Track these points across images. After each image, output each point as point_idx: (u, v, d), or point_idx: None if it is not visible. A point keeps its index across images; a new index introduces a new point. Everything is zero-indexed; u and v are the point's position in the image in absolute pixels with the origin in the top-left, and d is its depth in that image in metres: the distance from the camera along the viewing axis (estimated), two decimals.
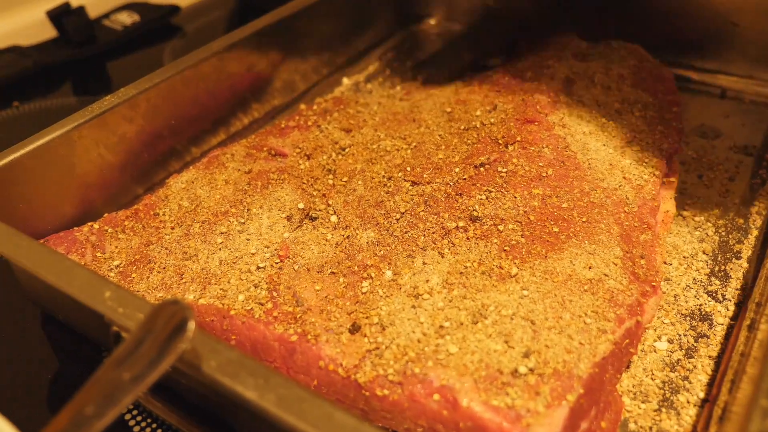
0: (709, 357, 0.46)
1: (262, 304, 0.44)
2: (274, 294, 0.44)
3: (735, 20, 0.70)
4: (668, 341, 0.47)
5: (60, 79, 0.85)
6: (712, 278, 0.52)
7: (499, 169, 0.51)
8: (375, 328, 0.41)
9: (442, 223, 0.48)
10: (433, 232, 0.48)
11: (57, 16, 0.87)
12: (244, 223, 0.51)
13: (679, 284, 0.52)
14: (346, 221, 0.50)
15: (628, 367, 0.46)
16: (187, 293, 0.46)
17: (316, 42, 0.77)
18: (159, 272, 0.48)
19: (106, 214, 0.54)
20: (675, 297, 0.51)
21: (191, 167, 0.57)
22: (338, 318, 0.42)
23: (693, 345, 0.47)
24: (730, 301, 0.50)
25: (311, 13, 0.74)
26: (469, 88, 0.64)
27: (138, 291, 0.47)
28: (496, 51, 0.82)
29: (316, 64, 0.78)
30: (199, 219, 0.51)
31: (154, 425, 0.44)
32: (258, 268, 0.47)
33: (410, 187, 0.52)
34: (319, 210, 0.51)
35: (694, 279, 0.52)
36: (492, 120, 0.57)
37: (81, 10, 0.88)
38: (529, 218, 0.48)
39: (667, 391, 0.44)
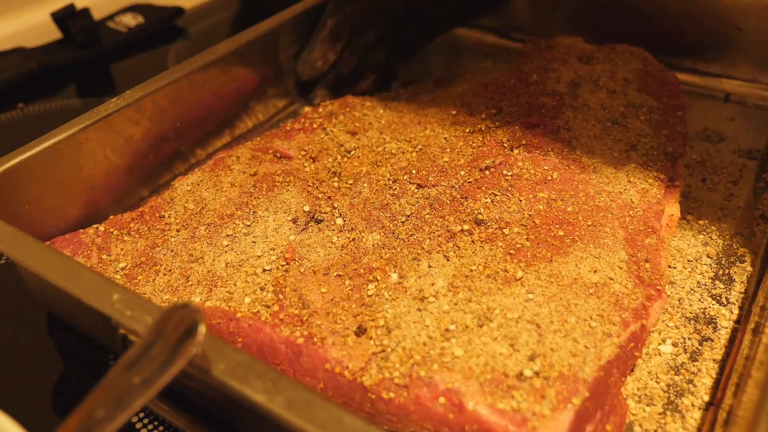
0: (714, 360, 0.46)
1: (268, 307, 0.44)
2: (281, 296, 0.44)
3: (739, 24, 0.70)
4: (673, 344, 0.47)
5: (64, 81, 0.86)
6: (717, 282, 0.52)
7: (505, 172, 0.52)
8: (381, 331, 0.41)
9: (447, 226, 0.48)
10: (439, 235, 0.48)
11: (61, 17, 0.87)
12: (249, 225, 0.51)
13: (683, 288, 0.52)
14: (352, 224, 0.50)
15: (632, 370, 0.46)
16: (193, 296, 0.46)
17: None
18: (165, 275, 0.48)
19: (111, 216, 0.54)
20: (679, 300, 0.51)
21: (197, 169, 0.58)
22: (344, 320, 0.42)
23: (697, 348, 0.47)
24: (734, 304, 0.50)
25: (315, 16, 0.74)
26: (474, 91, 0.64)
27: (144, 293, 0.47)
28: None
29: None
30: (205, 221, 0.51)
31: (161, 428, 0.44)
32: (264, 270, 0.47)
33: (415, 190, 0.52)
34: (325, 212, 0.51)
35: (698, 282, 0.52)
36: (497, 123, 0.57)
37: (85, 11, 0.88)
38: (534, 222, 0.48)
39: (671, 395, 0.44)
